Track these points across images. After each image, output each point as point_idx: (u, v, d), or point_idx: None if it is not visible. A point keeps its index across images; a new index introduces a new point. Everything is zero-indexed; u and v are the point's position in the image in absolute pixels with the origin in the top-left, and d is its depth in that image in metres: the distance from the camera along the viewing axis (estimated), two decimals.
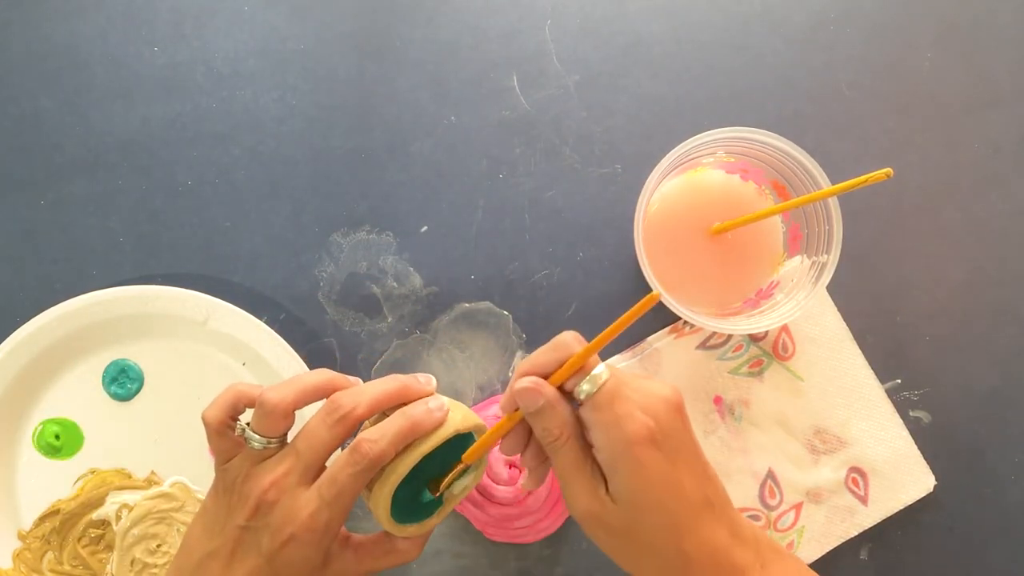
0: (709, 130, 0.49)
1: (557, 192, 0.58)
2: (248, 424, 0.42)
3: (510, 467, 0.52)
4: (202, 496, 0.56)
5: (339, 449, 0.42)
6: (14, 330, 0.54)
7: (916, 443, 0.56)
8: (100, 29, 0.58)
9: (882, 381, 0.56)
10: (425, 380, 0.43)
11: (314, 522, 0.39)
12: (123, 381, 0.56)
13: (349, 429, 0.41)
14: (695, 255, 0.53)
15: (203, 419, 0.42)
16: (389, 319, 0.57)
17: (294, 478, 0.40)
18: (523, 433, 0.42)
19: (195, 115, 0.58)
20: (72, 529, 0.55)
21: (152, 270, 0.57)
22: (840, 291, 0.57)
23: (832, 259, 0.49)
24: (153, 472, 0.56)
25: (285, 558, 0.40)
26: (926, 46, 0.58)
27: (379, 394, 0.42)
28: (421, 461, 0.41)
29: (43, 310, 0.54)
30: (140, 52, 0.58)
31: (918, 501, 0.56)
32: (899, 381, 0.57)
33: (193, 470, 0.56)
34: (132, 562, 0.55)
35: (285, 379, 0.53)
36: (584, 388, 0.38)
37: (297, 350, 0.55)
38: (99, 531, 0.55)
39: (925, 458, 0.56)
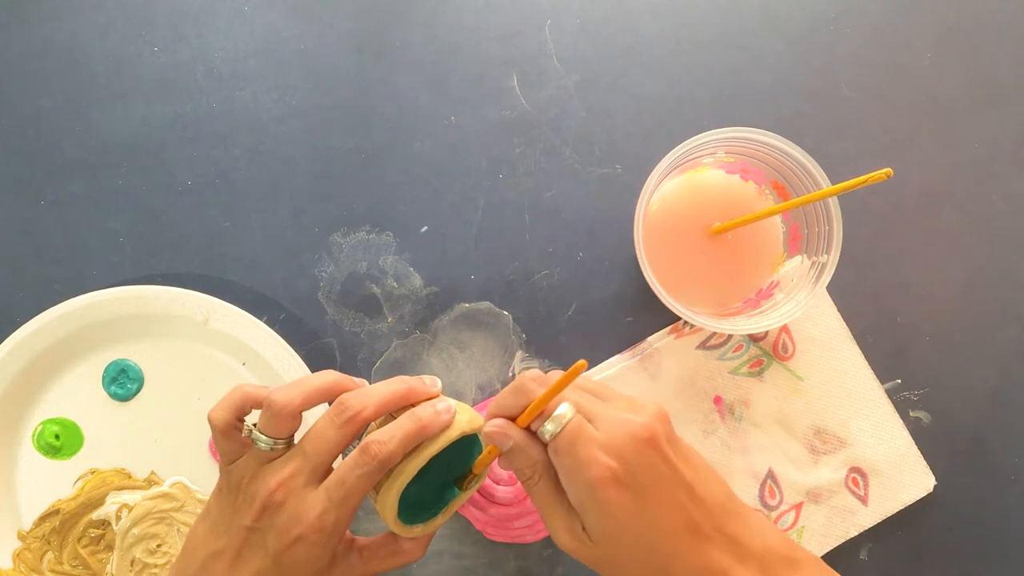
0: (709, 130, 0.49)
1: (557, 192, 0.58)
2: (255, 425, 0.42)
3: None
4: (202, 496, 0.56)
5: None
6: (14, 330, 0.54)
7: (916, 443, 0.56)
8: (100, 29, 0.58)
9: (882, 381, 0.56)
10: (431, 382, 0.43)
11: (322, 523, 0.39)
12: (123, 381, 0.56)
13: (357, 430, 0.41)
14: (695, 255, 0.53)
15: (209, 419, 0.42)
16: (389, 319, 0.57)
17: (302, 479, 0.40)
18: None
19: (195, 115, 0.58)
20: (72, 529, 0.55)
21: (152, 270, 0.57)
22: (840, 291, 0.56)
23: (832, 259, 0.49)
24: (153, 472, 0.56)
25: (291, 558, 0.40)
26: (926, 46, 0.58)
27: (386, 396, 0.42)
28: (426, 463, 0.41)
29: (43, 310, 0.54)
30: (140, 52, 0.58)
31: (918, 501, 0.56)
32: (899, 381, 0.57)
33: (193, 470, 0.56)
34: (132, 562, 0.55)
35: (286, 379, 0.53)
36: (547, 429, 0.38)
37: (297, 350, 0.55)
38: (99, 531, 0.55)
39: (925, 458, 0.56)
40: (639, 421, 0.37)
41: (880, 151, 0.57)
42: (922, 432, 0.56)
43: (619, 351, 0.57)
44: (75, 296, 0.54)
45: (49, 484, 0.55)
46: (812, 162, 0.48)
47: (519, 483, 0.51)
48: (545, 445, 0.39)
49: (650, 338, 0.57)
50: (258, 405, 0.42)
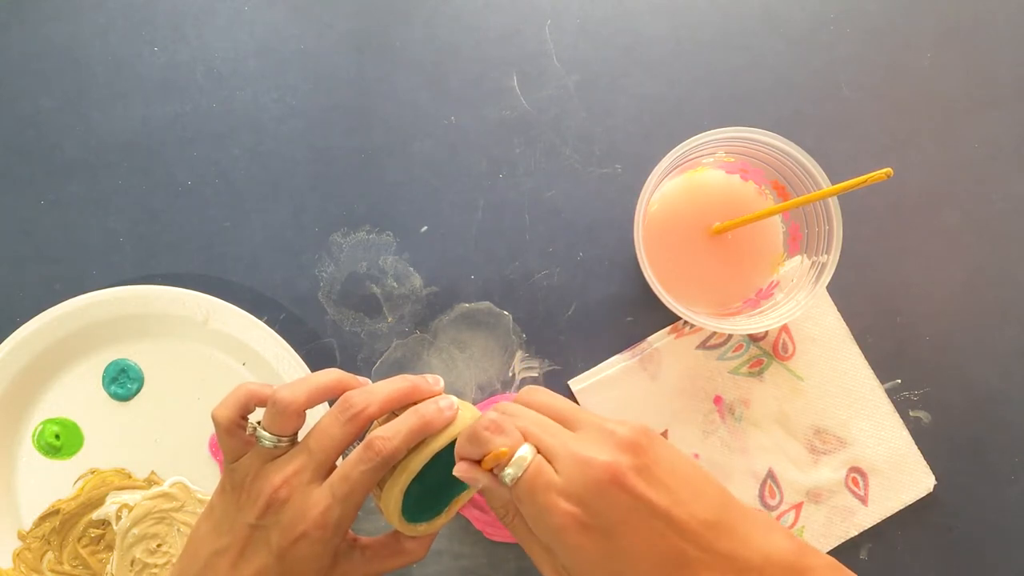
0: (709, 130, 0.49)
1: (557, 192, 0.57)
2: (259, 423, 0.42)
3: None
4: (203, 496, 0.56)
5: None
6: (14, 330, 0.53)
7: (916, 443, 0.56)
8: (100, 29, 0.58)
9: (882, 381, 0.56)
10: (433, 381, 0.43)
11: (325, 519, 0.39)
12: (123, 381, 0.56)
13: (361, 427, 0.41)
14: (695, 255, 0.53)
15: (213, 417, 0.42)
16: (389, 319, 0.57)
17: (306, 476, 0.40)
18: None
19: (195, 115, 0.58)
20: (72, 529, 0.55)
21: (152, 270, 0.57)
22: (840, 291, 0.56)
23: (832, 259, 0.49)
24: (153, 472, 0.56)
25: (295, 556, 0.39)
26: (926, 46, 0.58)
27: (390, 393, 0.41)
28: (428, 460, 0.41)
29: (43, 310, 0.54)
30: (140, 52, 0.58)
31: (918, 501, 0.55)
32: (899, 381, 0.57)
33: (193, 470, 0.56)
34: (132, 562, 0.55)
35: (287, 379, 0.53)
36: (507, 474, 0.37)
37: (297, 350, 0.55)
38: (99, 531, 0.55)
39: (925, 458, 0.56)
40: (600, 461, 0.35)
41: (880, 151, 0.57)
42: (922, 432, 0.56)
43: (619, 351, 0.57)
44: (75, 296, 0.54)
45: (49, 484, 0.55)
46: (812, 162, 0.48)
47: None
48: None
49: (650, 338, 0.57)
50: (262, 403, 0.42)
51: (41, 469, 0.55)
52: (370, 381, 0.43)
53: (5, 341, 0.53)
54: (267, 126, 0.58)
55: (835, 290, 0.56)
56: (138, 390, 0.56)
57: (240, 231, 0.57)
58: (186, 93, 0.58)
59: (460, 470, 0.39)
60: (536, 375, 0.57)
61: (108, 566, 0.55)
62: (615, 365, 0.56)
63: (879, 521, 0.55)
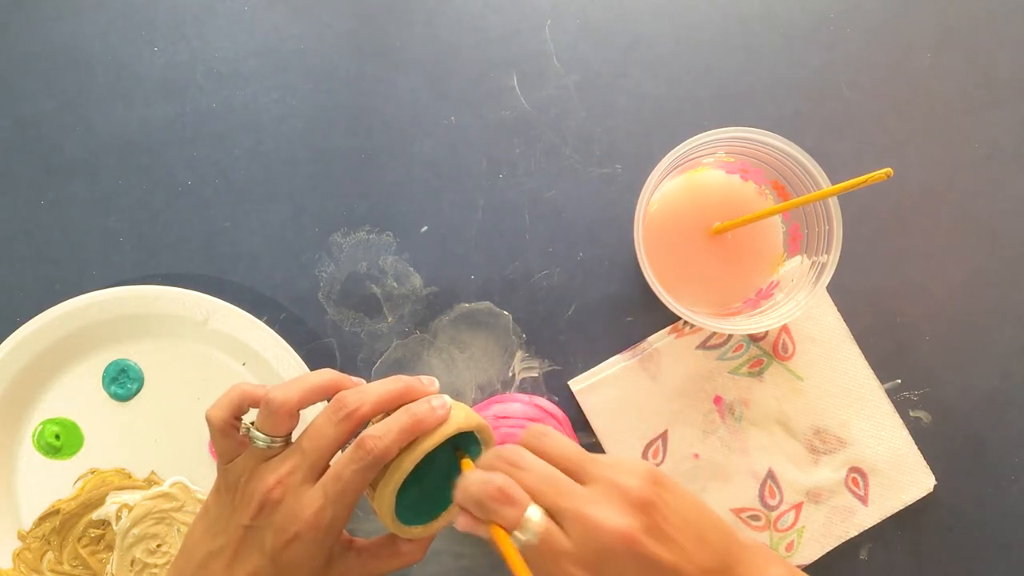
0: (709, 130, 0.48)
1: (557, 192, 0.57)
2: (252, 423, 0.41)
3: None
4: (202, 496, 0.55)
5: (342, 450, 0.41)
6: (14, 330, 0.53)
7: (916, 443, 0.55)
8: (100, 29, 0.57)
9: (882, 381, 0.56)
10: (428, 382, 0.43)
11: (318, 520, 0.39)
12: (123, 381, 0.55)
13: (354, 427, 0.40)
14: (695, 255, 0.52)
15: (207, 418, 0.41)
16: (389, 319, 0.56)
17: (299, 476, 0.40)
18: None
19: (195, 115, 0.57)
20: (72, 529, 0.54)
21: (152, 270, 0.57)
22: (840, 291, 0.56)
23: (832, 259, 0.48)
24: (153, 472, 0.55)
25: (289, 557, 0.39)
26: (926, 46, 0.57)
27: (384, 393, 0.41)
28: (422, 461, 0.40)
29: (43, 310, 0.53)
30: (140, 52, 0.57)
31: (918, 501, 0.55)
32: (899, 381, 0.56)
33: (193, 470, 0.55)
34: (132, 562, 0.54)
35: (286, 380, 0.53)
36: (519, 538, 0.36)
37: (297, 350, 0.54)
38: (99, 531, 0.55)
39: (925, 458, 0.55)
40: (613, 527, 0.35)
41: (880, 151, 0.57)
42: (922, 432, 0.56)
43: (619, 351, 0.56)
44: (75, 296, 0.54)
45: (49, 484, 0.55)
46: (812, 162, 0.48)
47: None
48: None
49: (650, 338, 0.56)
50: (256, 404, 0.41)
51: (41, 469, 0.55)
52: (364, 382, 0.43)
53: (5, 341, 0.53)
54: (267, 126, 0.57)
55: (835, 290, 0.56)
56: (138, 390, 0.55)
57: (240, 231, 0.57)
58: (186, 93, 0.57)
59: (463, 525, 0.38)
60: (536, 375, 0.56)
61: (108, 566, 0.54)
62: (615, 365, 0.56)
63: (879, 521, 0.55)
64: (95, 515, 0.54)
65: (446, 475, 0.43)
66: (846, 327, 0.56)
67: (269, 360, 0.54)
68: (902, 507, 0.55)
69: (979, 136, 0.57)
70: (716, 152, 0.50)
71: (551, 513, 0.36)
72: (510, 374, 0.56)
